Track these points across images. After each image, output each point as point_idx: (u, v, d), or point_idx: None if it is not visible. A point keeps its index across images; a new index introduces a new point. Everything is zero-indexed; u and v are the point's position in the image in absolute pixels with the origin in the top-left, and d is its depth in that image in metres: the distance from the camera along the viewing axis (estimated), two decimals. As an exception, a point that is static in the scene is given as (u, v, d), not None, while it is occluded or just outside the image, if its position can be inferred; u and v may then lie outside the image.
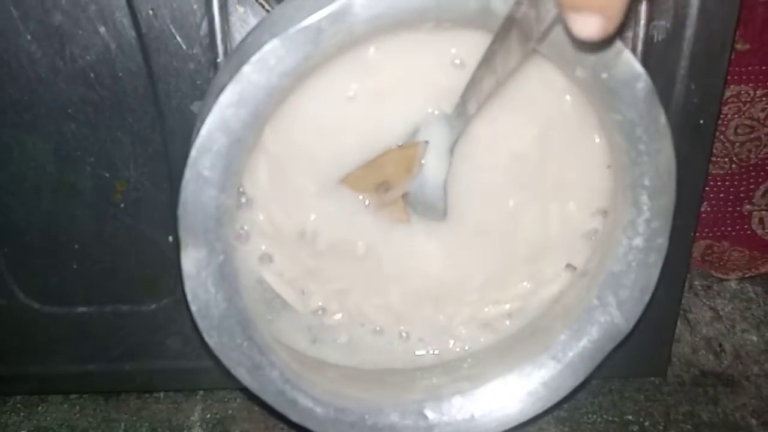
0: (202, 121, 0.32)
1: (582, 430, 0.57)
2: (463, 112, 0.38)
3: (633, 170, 0.37)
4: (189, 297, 0.35)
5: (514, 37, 0.31)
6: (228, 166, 0.33)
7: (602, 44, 0.33)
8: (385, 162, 0.41)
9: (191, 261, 0.34)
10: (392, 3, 0.31)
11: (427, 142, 0.40)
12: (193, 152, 0.32)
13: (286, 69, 0.31)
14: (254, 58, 0.31)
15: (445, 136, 0.40)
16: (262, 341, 0.38)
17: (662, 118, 0.35)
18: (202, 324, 0.36)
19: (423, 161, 0.41)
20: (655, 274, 0.40)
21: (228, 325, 0.37)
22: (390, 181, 0.42)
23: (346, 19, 0.31)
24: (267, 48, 0.31)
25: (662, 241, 0.39)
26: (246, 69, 0.31)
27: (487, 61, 0.33)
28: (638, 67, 0.34)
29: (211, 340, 0.37)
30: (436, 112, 0.40)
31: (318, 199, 0.42)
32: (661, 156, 0.37)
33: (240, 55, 0.36)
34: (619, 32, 0.29)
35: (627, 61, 0.34)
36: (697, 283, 0.73)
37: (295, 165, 0.41)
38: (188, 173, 0.32)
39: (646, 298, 0.41)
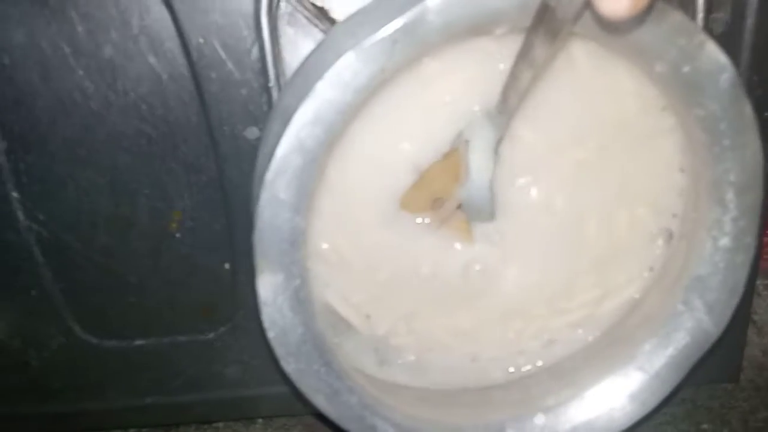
0: (274, 144, 0.32)
1: (659, 443, 0.55)
2: (505, 110, 0.37)
3: (716, 167, 0.36)
4: (266, 323, 0.34)
5: (547, 26, 0.30)
6: (302, 186, 0.32)
7: (685, 35, 0.31)
8: (433, 175, 0.41)
9: (268, 286, 0.34)
10: (466, 9, 0.30)
11: (467, 141, 0.39)
12: (269, 175, 0.31)
13: (361, 84, 0.31)
14: (328, 74, 0.30)
15: (488, 135, 0.39)
16: (339, 367, 0.37)
17: (748, 111, 0.34)
18: (279, 351, 0.35)
19: (469, 165, 0.40)
20: (743, 274, 0.38)
21: (305, 350, 0.36)
22: (442, 194, 0.41)
23: (421, 28, 0.30)
24: (341, 62, 0.30)
25: (750, 240, 0.37)
26: (320, 85, 0.30)
27: (524, 54, 0.33)
28: (723, 58, 0.32)
29: (289, 366, 0.36)
30: (478, 112, 0.39)
31: (380, 229, 0.41)
32: (747, 150, 0.35)
33: (304, 76, 0.36)
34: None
35: (711, 52, 0.32)
36: (758, 283, 0.71)
37: (353, 194, 0.40)
38: (264, 196, 0.31)
39: (735, 300, 0.39)
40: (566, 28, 0.30)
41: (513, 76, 0.35)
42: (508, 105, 0.36)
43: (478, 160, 0.40)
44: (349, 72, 0.30)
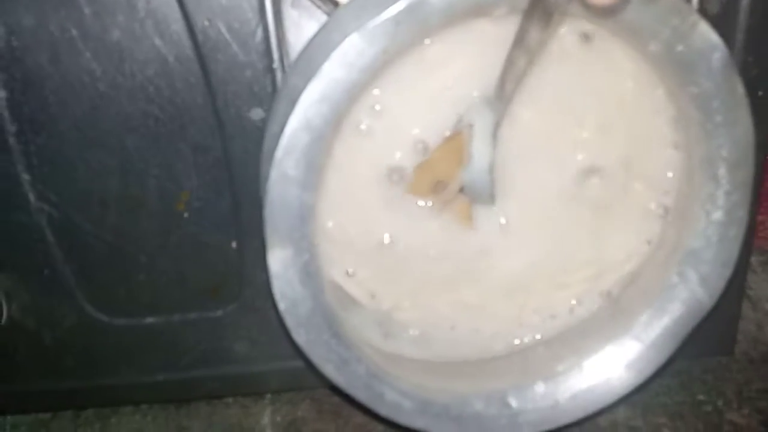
0: (282, 123, 0.33)
1: (654, 413, 0.56)
2: (502, 95, 0.38)
3: (709, 143, 0.37)
4: (277, 296, 0.36)
5: (541, 10, 0.31)
6: (310, 163, 0.33)
7: (678, 15, 0.32)
8: (436, 159, 0.42)
9: (278, 260, 0.35)
10: (467, -9, 0.31)
11: (471, 125, 0.40)
12: (279, 153, 0.32)
13: (366, 63, 0.32)
14: (335, 54, 0.31)
15: (488, 120, 0.40)
16: (347, 337, 0.39)
17: (740, 89, 0.35)
18: (290, 322, 0.36)
19: (471, 149, 0.41)
20: (736, 247, 0.40)
21: (315, 322, 0.37)
22: (445, 177, 0.42)
23: (423, 9, 0.31)
24: (347, 43, 0.31)
25: (742, 214, 0.39)
26: (327, 66, 0.31)
27: (519, 39, 0.34)
28: (715, 38, 0.34)
29: (300, 337, 0.37)
30: (477, 98, 0.40)
31: (386, 212, 0.42)
32: (738, 127, 0.36)
33: (309, 57, 0.37)
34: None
35: (703, 32, 0.33)
36: (753, 259, 0.72)
37: (358, 174, 0.41)
38: (274, 174, 0.33)
39: (728, 272, 0.40)
40: (559, 10, 0.30)
41: (509, 61, 0.36)
42: (505, 90, 0.37)
43: (477, 144, 0.41)
44: (354, 52, 0.31)
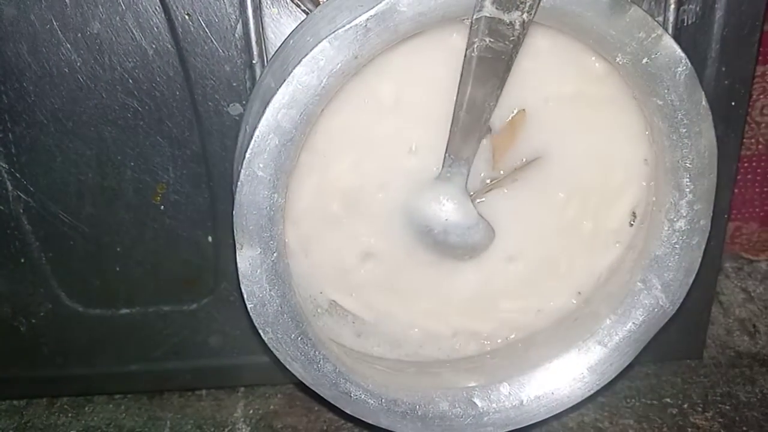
0: (254, 124, 0.33)
1: (621, 414, 0.57)
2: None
3: (674, 153, 0.38)
4: (245, 295, 0.36)
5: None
6: (280, 165, 0.34)
7: (643, 29, 0.33)
8: (501, 133, 0.41)
9: (246, 260, 0.35)
10: (436, 0, 0.31)
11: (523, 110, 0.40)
12: (248, 154, 0.32)
13: (335, 69, 0.32)
14: (305, 60, 0.31)
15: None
16: (315, 336, 0.39)
17: (703, 101, 0.36)
18: (257, 321, 0.37)
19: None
20: (698, 255, 0.40)
21: (282, 321, 0.37)
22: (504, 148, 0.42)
23: (393, 17, 0.31)
24: (317, 49, 0.31)
25: (705, 223, 0.40)
26: (297, 71, 0.32)
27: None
28: (679, 52, 0.34)
29: (267, 336, 0.38)
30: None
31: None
32: (702, 138, 0.37)
33: (283, 57, 0.37)
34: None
35: (667, 46, 0.34)
36: (727, 265, 0.74)
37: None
38: (243, 174, 0.33)
39: (690, 279, 0.41)
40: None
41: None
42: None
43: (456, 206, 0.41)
44: (324, 58, 0.32)
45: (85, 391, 0.61)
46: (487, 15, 0.31)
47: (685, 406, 0.58)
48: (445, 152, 0.38)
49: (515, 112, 0.40)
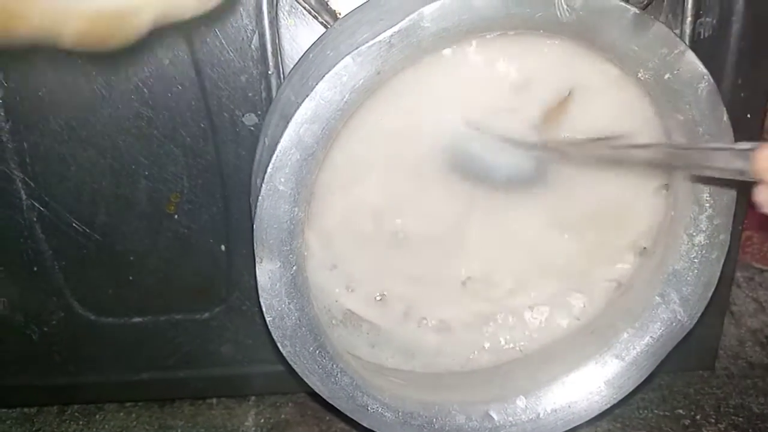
0: (275, 138, 0.33)
1: (634, 426, 0.57)
2: None
3: (694, 169, 0.38)
4: (264, 309, 0.36)
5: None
6: (301, 180, 0.34)
7: (666, 45, 0.33)
8: (552, 108, 0.41)
9: (266, 274, 0.35)
10: (458, 16, 0.31)
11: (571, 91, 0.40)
12: (270, 168, 0.32)
13: (358, 84, 0.32)
14: (328, 75, 0.31)
15: None
16: (332, 349, 0.39)
17: (724, 117, 0.36)
18: (276, 334, 0.37)
19: None
20: (717, 270, 0.40)
21: (301, 334, 0.37)
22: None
23: (417, 33, 0.31)
24: (340, 65, 0.31)
25: (724, 237, 0.39)
26: (320, 86, 0.32)
27: None
28: (701, 68, 0.34)
29: (285, 349, 0.37)
30: None
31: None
32: (723, 154, 0.37)
33: (303, 71, 0.37)
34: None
35: (690, 62, 0.34)
36: (738, 274, 0.73)
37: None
38: (264, 188, 0.33)
39: (709, 294, 0.41)
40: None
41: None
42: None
43: None
44: (347, 74, 0.32)
45: (96, 399, 0.61)
46: None
47: (698, 417, 0.58)
48: None
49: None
